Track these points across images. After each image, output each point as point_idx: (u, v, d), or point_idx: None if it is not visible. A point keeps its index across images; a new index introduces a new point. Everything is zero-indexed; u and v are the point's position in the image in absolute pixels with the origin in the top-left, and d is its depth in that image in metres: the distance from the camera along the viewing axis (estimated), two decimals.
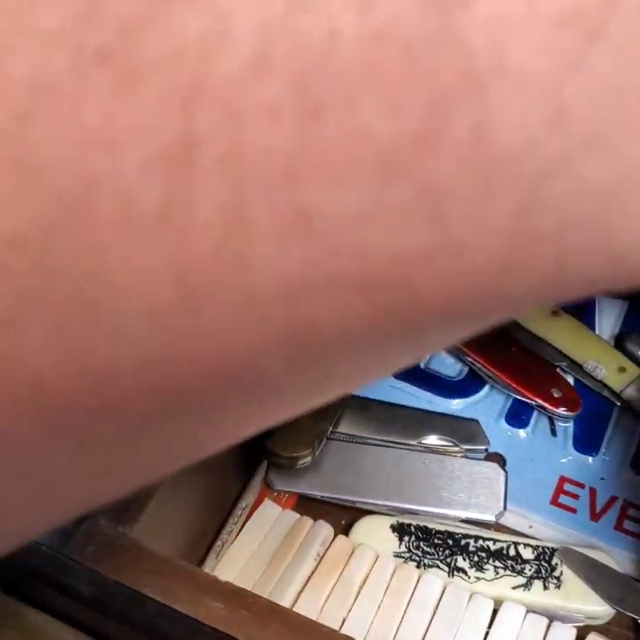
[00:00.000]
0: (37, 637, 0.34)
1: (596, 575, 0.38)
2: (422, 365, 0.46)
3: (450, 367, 0.47)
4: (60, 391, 0.12)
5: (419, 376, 0.46)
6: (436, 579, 0.38)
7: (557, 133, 0.11)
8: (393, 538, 0.40)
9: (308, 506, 0.42)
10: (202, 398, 0.13)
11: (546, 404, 0.44)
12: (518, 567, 0.39)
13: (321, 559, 0.39)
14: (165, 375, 0.12)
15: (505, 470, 0.42)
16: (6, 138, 0.11)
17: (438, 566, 0.39)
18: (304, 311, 0.12)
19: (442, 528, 0.40)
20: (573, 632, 0.36)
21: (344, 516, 0.42)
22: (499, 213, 0.12)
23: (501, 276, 0.12)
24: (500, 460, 0.43)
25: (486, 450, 0.43)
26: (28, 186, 0.11)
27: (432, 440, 0.43)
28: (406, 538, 0.40)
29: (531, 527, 0.42)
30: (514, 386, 0.44)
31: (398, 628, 0.37)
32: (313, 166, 0.11)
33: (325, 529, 0.40)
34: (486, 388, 0.45)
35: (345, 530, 0.41)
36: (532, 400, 0.44)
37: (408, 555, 0.40)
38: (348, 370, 0.14)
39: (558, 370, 0.45)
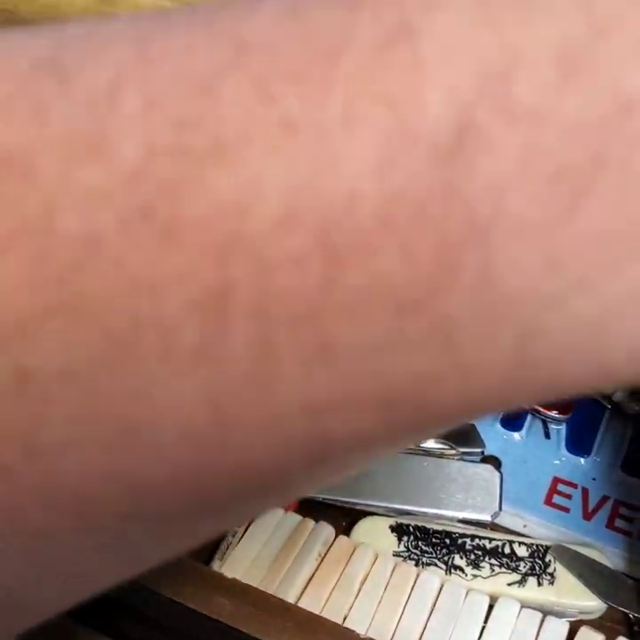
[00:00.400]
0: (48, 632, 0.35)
1: (588, 571, 0.40)
2: None
3: None
4: (98, 499, 0.14)
5: None
6: (433, 576, 0.39)
7: (552, 276, 0.13)
8: (392, 538, 0.42)
9: (309, 508, 0.44)
10: (228, 500, 0.15)
11: (539, 408, 0.45)
12: (513, 564, 0.40)
13: (323, 558, 0.40)
14: (197, 484, 0.14)
15: (500, 472, 0.43)
16: (61, 284, 0.12)
17: (436, 565, 0.41)
18: (323, 426, 0.13)
19: (439, 528, 0.42)
20: (566, 626, 0.38)
21: (344, 518, 0.44)
22: (503, 341, 0.13)
23: (503, 391, 0.14)
24: (495, 462, 0.45)
25: (482, 452, 0.45)
26: (81, 326, 0.12)
27: (429, 443, 0.44)
28: (405, 537, 0.42)
29: (525, 526, 0.43)
30: None
31: (398, 622, 0.38)
32: (334, 305, 0.13)
33: (327, 530, 0.41)
34: None
35: (345, 531, 0.43)
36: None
37: (407, 554, 0.41)
38: (357, 463, 0.16)
39: None
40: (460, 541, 0.41)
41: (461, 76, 0.12)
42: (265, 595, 0.33)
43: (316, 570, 0.40)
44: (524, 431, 0.46)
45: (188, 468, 0.14)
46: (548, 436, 0.46)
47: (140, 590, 0.32)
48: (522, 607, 0.38)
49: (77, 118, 0.13)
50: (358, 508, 0.43)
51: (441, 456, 0.44)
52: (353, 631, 0.32)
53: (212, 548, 0.43)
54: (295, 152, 0.12)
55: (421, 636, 0.38)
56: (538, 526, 0.43)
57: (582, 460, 0.45)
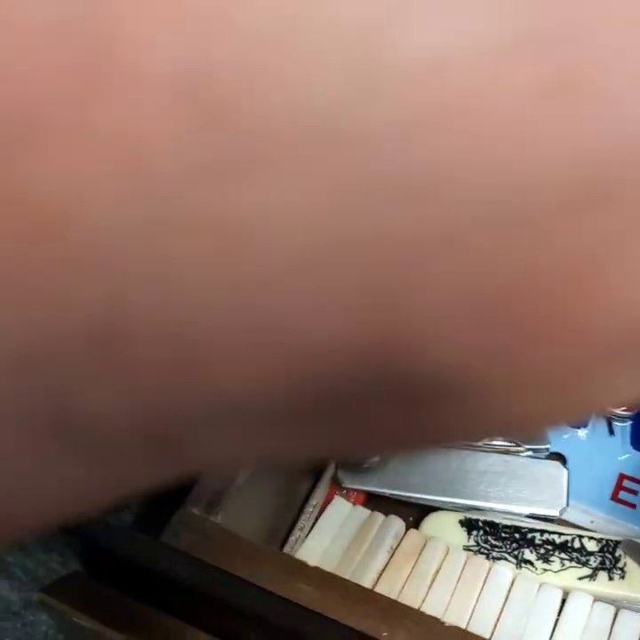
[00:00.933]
0: (136, 625, 0.36)
1: None
2: None
3: None
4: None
5: None
6: (505, 569, 0.40)
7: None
8: (462, 532, 0.42)
9: (375, 503, 0.44)
10: None
11: None
12: (583, 559, 0.41)
13: (394, 552, 0.41)
14: None
15: (566, 468, 0.44)
16: None
17: (506, 559, 0.41)
18: None
19: (508, 522, 0.42)
20: None
21: (411, 513, 0.44)
22: None
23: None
24: (561, 459, 0.45)
25: (548, 449, 0.45)
26: None
27: (496, 440, 0.45)
28: (474, 532, 0.42)
29: (592, 522, 0.43)
30: None
31: (471, 615, 0.39)
32: None
33: (397, 523, 0.42)
34: None
35: (412, 526, 0.43)
36: None
37: (477, 548, 0.42)
38: None
39: None
40: (529, 536, 0.42)
41: None
42: (347, 582, 0.33)
43: (388, 563, 0.40)
44: (588, 429, 0.46)
45: None
46: (612, 432, 0.46)
47: (226, 578, 0.33)
48: (594, 601, 0.39)
49: None
50: (425, 503, 0.44)
51: (507, 452, 0.44)
52: (437, 619, 0.32)
53: (280, 542, 0.44)
54: None
55: (494, 629, 0.38)
56: (605, 522, 0.43)
57: None
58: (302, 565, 0.33)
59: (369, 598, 0.33)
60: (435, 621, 0.32)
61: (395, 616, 0.32)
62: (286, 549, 0.43)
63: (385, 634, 0.32)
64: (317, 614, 0.32)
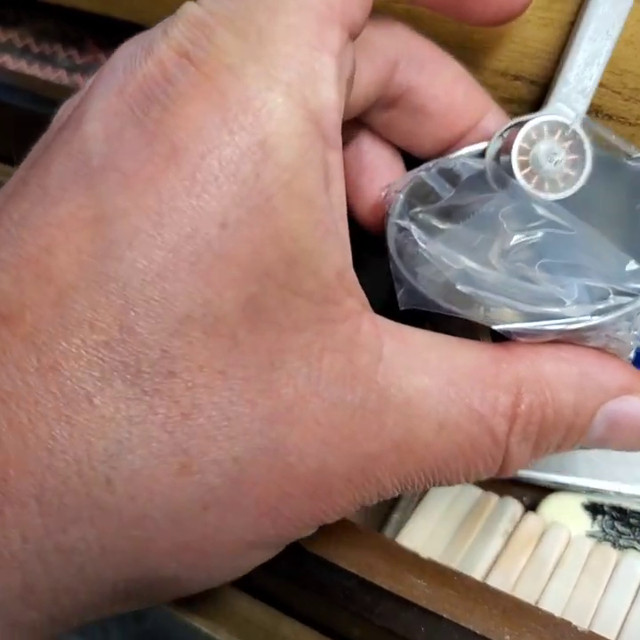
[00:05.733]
0: (224, 612, 0.32)
1: None
2: None
3: None
4: None
5: None
6: (636, 561, 0.35)
7: None
8: (585, 517, 0.38)
9: (485, 482, 0.40)
10: None
11: None
12: None
13: (510, 537, 0.36)
14: None
15: None
16: None
17: (635, 548, 0.37)
18: None
19: (638, 508, 0.38)
20: None
21: (525, 494, 0.40)
22: None
23: None
24: None
25: None
26: None
27: None
28: (600, 517, 0.38)
29: None
30: None
31: (596, 610, 0.34)
32: None
33: (513, 505, 0.37)
34: None
35: (528, 508, 0.39)
36: None
37: (602, 535, 0.37)
38: None
39: None
40: None
41: None
42: (464, 576, 0.29)
43: (502, 550, 0.36)
44: None
45: None
46: None
47: (326, 566, 0.29)
48: None
49: None
50: (541, 484, 0.39)
51: None
52: (569, 623, 0.28)
53: (382, 519, 0.40)
54: None
55: (622, 627, 0.34)
56: None
57: None
58: (413, 556, 0.30)
59: (489, 596, 0.29)
60: (566, 625, 0.28)
61: (519, 617, 0.28)
62: (387, 531, 0.39)
63: (508, 637, 0.28)
64: (432, 613, 0.28)
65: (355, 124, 0.30)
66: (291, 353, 0.21)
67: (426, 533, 0.38)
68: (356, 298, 0.23)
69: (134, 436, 0.20)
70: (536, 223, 0.25)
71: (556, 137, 0.27)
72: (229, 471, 0.21)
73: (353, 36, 0.23)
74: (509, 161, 0.27)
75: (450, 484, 0.25)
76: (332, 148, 0.22)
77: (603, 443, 0.26)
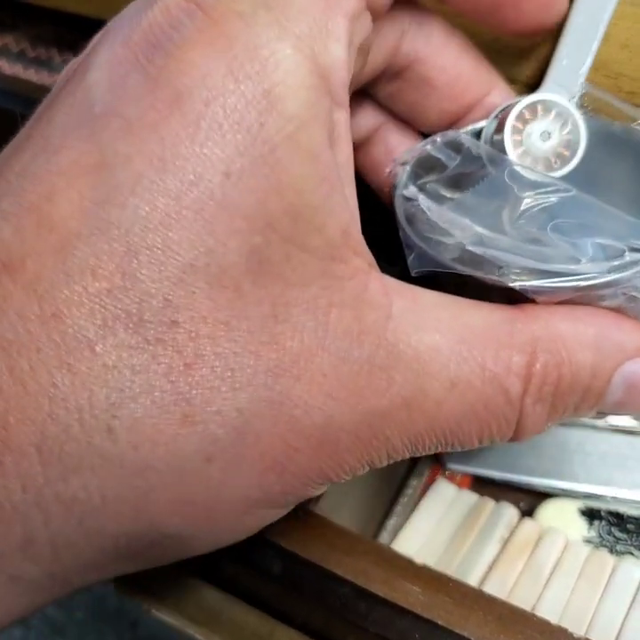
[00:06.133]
0: (217, 617, 0.32)
1: None
2: None
3: None
4: None
5: None
6: (633, 567, 0.35)
7: None
8: (581, 522, 0.38)
9: (481, 487, 0.40)
10: None
11: None
12: None
13: (506, 543, 0.36)
14: None
15: None
16: None
17: (632, 553, 0.36)
18: None
19: (635, 513, 0.37)
20: None
21: (522, 499, 0.40)
22: None
23: None
24: None
25: None
26: None
27: (620, 419, 0.40)
28: (596, 522, 0.37)
29: None
30: None
31: (593, 617, 0.34)
32: None
33: (509, 511, 0.37)
34: None
35: (525, 513, 0.39)
36: None
37: (599, 540, 0.37)
38: None
39: None
40: None
41: None
42: (460, 583, 0.29)
43: (499, 555, 0.36)
44: None
45: None
46: None
47: (321, 573, 0.29)
48: None
49: None
50: (538, 489, 0.39)
51: (633, 432, 0.40)
52: (565, 630, 0.28)
53: (378, 524, 0.40)
54: None
55: (619, 633, 0.34)
56: None
57: None
58: (408, 563, 0.29)
59: (485, 603, 0.28)
60: (562, 632, 0.28)
61: (515, 624, 0.28)
62: (383, 536, 0.39)
63: None
64: (426, 620, 0.28)
65: (369, 105, 0.30)
66: (296, 307, 0.21)
67: (422, 538, 0.37)
68: (362, 257, 0.23)
69: (136, 385, 0.20)
70: (547, 188, 0.25)
71: (551, 116, 0.27)
72: (233, 422, 0.21)
73: (372, 9, 0.23)
74: (502, 140, 0.27)
75: (463, 446, 0.24)
76: (338, 106, 0.22)
77: (621, 407, 0.25)
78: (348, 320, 0.22)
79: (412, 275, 0.25)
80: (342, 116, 0.23)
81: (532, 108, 0.27)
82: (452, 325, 0.23)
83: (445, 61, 0.28)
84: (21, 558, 0.20)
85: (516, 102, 0.27)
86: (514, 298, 0.24)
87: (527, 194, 0.25)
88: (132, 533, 0.21)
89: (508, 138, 0.27)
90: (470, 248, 0.24)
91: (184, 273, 0.20)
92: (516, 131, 0.27)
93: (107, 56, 0.21)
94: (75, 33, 0.52)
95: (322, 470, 0.23)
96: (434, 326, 0.23)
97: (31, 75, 0.51)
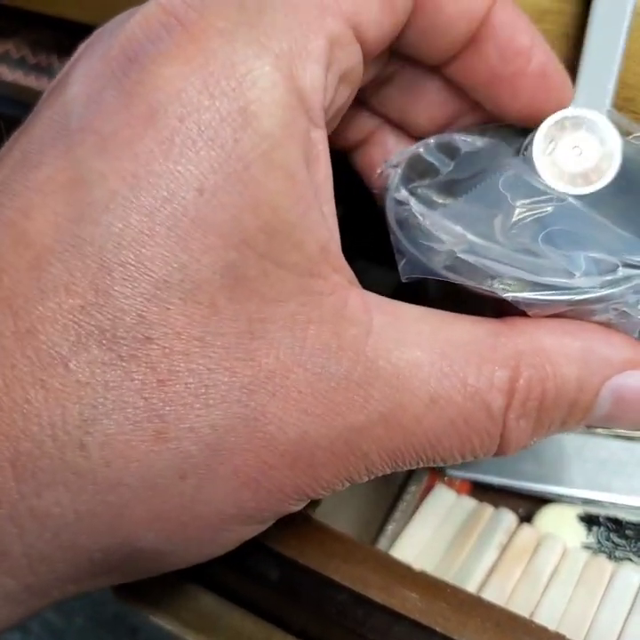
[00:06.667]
0: (215, 624, 0.32)
1: None
2: None
3: None
4: None
5: None
6: (632, 572, 0.35)
7: None
8: (580, 528, 0.37)
9: (480, 493, 0.40)
10: None
11: None
12: None
13: (505, 549, 0.36)
14: None
15: None
16: None
17: (631, 559, 0.36)
18: None
19: (635, 519, 0.37)
20: None
21: (520, 505, 0.40)
22: None
23: None
24: None
25: None
26: None
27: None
28: (595, 528, 0.37)
29: None
30: None
31: (591, 623, 0.34)
32: None
33: (508, 517, 0.37)
34: None
35: (523, 519, 0.39)
36: None
37: (597, 546, 0.37)
38: None
39: None
40: None
41: None
42: (458, 589, 0.29)
43: (497, 562, 0.36)
44: None
45: None
46: None
47: (319, 579, 0.29)
48: None
49: None
50: (536, 495, 0.39)
51: (632, 438, 0.40)
52: (563, 636, 0.28)
53: (376, 531, 0.40)
54: None
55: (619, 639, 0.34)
56: None
57: None
58: (406, 569, 0.29)
59: (483, 609, 0.28)
60: (561, 639, 0.28)
61: (513, 631, 0.28)
62: (382, 542, 0.39)
63: None
64: (424, 627, 0.28)
65: (365, 109, 0.30)
66: (273, 323, 0.21)
67: (421, 544, 0.37)
68: (342, 274, 0.23)
69: (109, 402, 0.20)
70: (541, 197, 0.25)
71: (581, 132, 0.26)
72: (206, 439, 0.21)
73: (364, 43, 0.23)
74: (531, 154, 0.26)
75: (445, 462, 0.24)
76: (316, 126, 0.22)
77: (610, 420, 0.25)
78: (326, 336, 0.22)
79: (403, 280, 0.25)
80: (319, 135, 0.22)
81: (561, 123, 0.26)
82: (433, 340, 0.23)
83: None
84: None
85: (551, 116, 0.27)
86: (504, 310, 0.24)
87: (520, 202, 0.24)
88: (107, 548, 0.21)
89: (537, 153, 0.26)
90: (462, 256, 0.24)
91: (158, 289, 0.20)
92: (545, 147, 0.26)
93: (85, 70, 0.22)
94: (75, 40, 0.52)
95: (298, 486, 0.23)
96: (415, 341, 0.22)
97: (32, 81, 0.51)
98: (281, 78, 0.21)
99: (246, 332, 0.21)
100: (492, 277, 0.23)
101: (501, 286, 0.23)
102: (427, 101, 0.28)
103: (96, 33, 0.23)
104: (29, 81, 0.51)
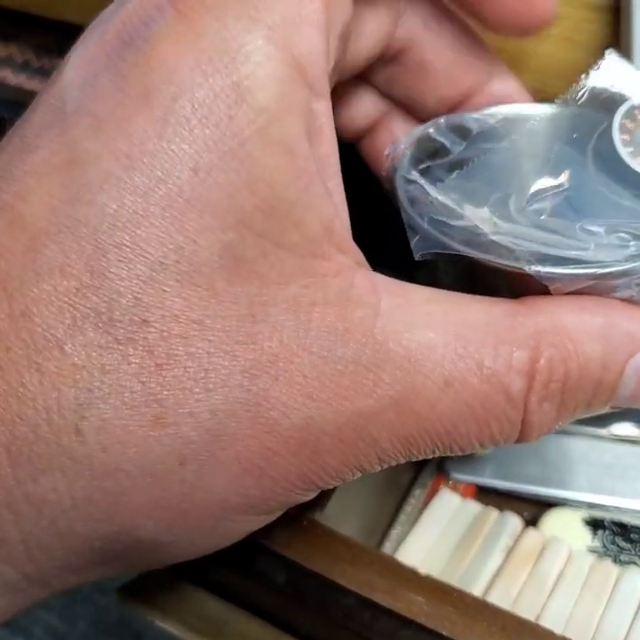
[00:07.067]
0: (221, 628, 0.32)
1: None
2: None
3: None
4: None
5: None
6: (638, 577, 0.35)
7: None
8: (585, 532, 0.37)
9: (485, 496, 0.40)
10: None
11: None
12: None
13: (510, 552, 0.36)
14: None
15: None
16: None
17: (636, 563, 0.36)
18: None
19: (639, 523, 0.37)
20: None
21: (525, 509, 0.39)
22: None
23: None
24: None
25: None
26: None
27: (623, 429, 0.40)
28: (600, 532, 0.37)
29: None
30: None
31: (597, 627, 0.34)
32: None
33: (513, 521, 0.37)
34: None
35: (528, 523, 0.39)
36: None
37: (602, 550, 0.37)
38: None
39: None
40: None
41: None
42: (463, 593, 0.29)
43: (502, 565, 0.36)
44: None
45: None
46: None
47: (326, 583, 0.29)
48: None
49: None
50: (541, 499, 0.39)
51: (637, 442, 0.39)
52: None
53: (381, 535, 0.40)
54: None
55: None
56: None
57: None
58: (412, 573, 0.29)
59: (489, 613, 0.28)
60: None
61: (519, 635, 0.28)
62: (387, 546, 0.39)
63: None
64: (430, 631, 0.28)
65: (373, 94, 0.30)
66: (275, 306, 0.21)
67: (426, 549, 0.37)
68: (348, 254, 0.22)
69: (106, 385, 0.19)
70: (557, 172, 0.24)
71: None
72: (206, 424, 0.20)
73: None
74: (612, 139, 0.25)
75: (463, 450, 0.23)
76: (318, 96, 0.22)
77: (636, 400, 0.24)
78: (331, 318, 0.21)
79: (416, 258, 0.24)
80: (322, 106, 0.22)
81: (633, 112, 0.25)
82: (446, 321, 0.22)
83: (442, 45, 0.28)
84: None
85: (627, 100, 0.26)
86: (520, 289, 0.23)
87: (537, 177, 0.24)
88: (106, 536, 0.21)
89: (616, 136, 0.25)
90: (479, 230, 0.23)
91: (153, 271, 0.19)
92: (624, 129, 0.25)
93: (81, 55, 0.21)
94: None
95: (304, 474, 0.22)
96: (426, 323, 0.22)
97: (35, 85, 0.51)
98: (275, 50, 0.20)
99: (248, 315, 0.20)
100: (511, 252, 0.23)
101: (523, 261, 0.22)
102: (435, 80, 0.28)
103: (94, 21, 0.23)
104: (33, 84, 0.51)
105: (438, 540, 0.38)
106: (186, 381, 0.20)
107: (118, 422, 0.20)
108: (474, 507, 0.39)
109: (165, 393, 0.20)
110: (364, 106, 0.30)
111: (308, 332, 0.21)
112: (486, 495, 0.40)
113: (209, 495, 0.21)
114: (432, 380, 0.21)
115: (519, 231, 0.23)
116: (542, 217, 0.23)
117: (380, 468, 0.23)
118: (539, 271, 0.22)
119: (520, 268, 0.22)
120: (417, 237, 0.24)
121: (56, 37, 0.52)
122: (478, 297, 0.23)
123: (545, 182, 0.24)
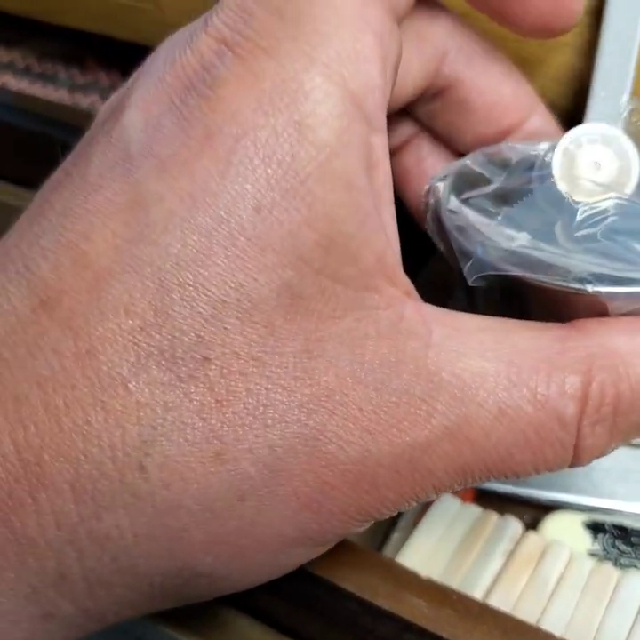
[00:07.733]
0: (223, 633, 0.32)
1: None
2: None
3: None
4: None
5: None
6: (639, 581, 0.35)
7: None
8: (586, 535, 0.38)
9: (488, 500, 0.40)
10: None
11: None
12: None
13: (510, 556, 0.36)
14: None
15: None
16: None
17: (636, 566, 0.37)
18: None
19: None
20: None
21: (525, 512, 0.40)
22: None
23: None
24: None
25: None
26: None
27: None
28: (601, 535, 0.37)
29: None
30: None
31: (597, 630, 0.34)
32: None
33: (514, 524, 0.37)
34: None
35: (529, 526, 0.39)
36: None
37: (603, 553, 0.37)
38: None
39: None
40: None
41: None
42: (464, 596, 0.29)
43: (502, 569, 0.36)
44: None
45: None
46: None
47: (328, 587, 0.29)
48: None
49: None
50: (542, 502, 0.39)
51: (636, 446, 0.40)
52: None
53: (381, 539, 0.40)
54: None
55: None
56: None
57: None
58: (413, 577, 0.29)
59: (490, 616, 0.28)
60: None
61: (520, 638, 0.28)
62: (387, 550, 0.39)
63: None
64: (432, 634, 0.28)
65: (404, 115, 0.30)
66: (329, 341, 0.21)
67: (426, 552, 0.38)
68: (398, 286, 0.22)
69: (168, 423, 0.20)
70: (602, 197, 0.24)
71: (598, 145, 0.26)
72: (265, 460, 0.21)
73: (398, 18, 0.23)
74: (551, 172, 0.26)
75: (517, 476, 0.23)
76: (375, 130, 0.22)
77: None
78: (384, 351, 0.21)
79: (470, 284, 0.24)
80: (379, 139, 0.22)
81: (577, 140, 0.26)
82: (498, 349, 0.22)
83: (485, 85, 0.28)
84: (55, 594, 0.20)
85: (561, 137, 0.26)
86: (569, 313, 0.23)
87: (582, 203, 0.24)
88: (166, 572, 0.21)
89: (556, 170, 0.26)
90: (534, 253, 0.23)
91: (215, 309, 0.20)
92: (564, 165, 0.26)
93: (142, 95, 0.22)
94: (80, 49, 0.53)
95: (361, 507, 0.22)
96: (478, 352, 0.22)
97: (37, 90, 0.51)
98: (333, 87, 0.21)
99: (304, 351, 0.21)
100: (568, 273, 0.23)
101: (582, 280, 0.22)
102: (476, 118, 0.28)
103: (148, 60, 0.23)
104: (35, 90, 0.51)
105: (438, 543, 0.38)
106: (245, 417, 0.20)
107: (180, 459, 0.20)
108: (474, 510, 0.39)
109: (225, 429, 0.20)
110: (397, 127, 0.30)
111: (362, 366, 0.21)
112: (486, 499, 0.40)
113: (267, 530, 0.22)
114: (486, 409, 0.21)
115: (572, 254, 0.23)
116: (592, 243, 0.23)
117: (435, 497, 0.23)
118: (599, 291, 0.22)
119: (579, 289, 0.22)
120: (470, 263, 0.25)
121: (58, 43, 0.53)
122: (527, 323, 0.23)
123: (590, 209, 0.24)
